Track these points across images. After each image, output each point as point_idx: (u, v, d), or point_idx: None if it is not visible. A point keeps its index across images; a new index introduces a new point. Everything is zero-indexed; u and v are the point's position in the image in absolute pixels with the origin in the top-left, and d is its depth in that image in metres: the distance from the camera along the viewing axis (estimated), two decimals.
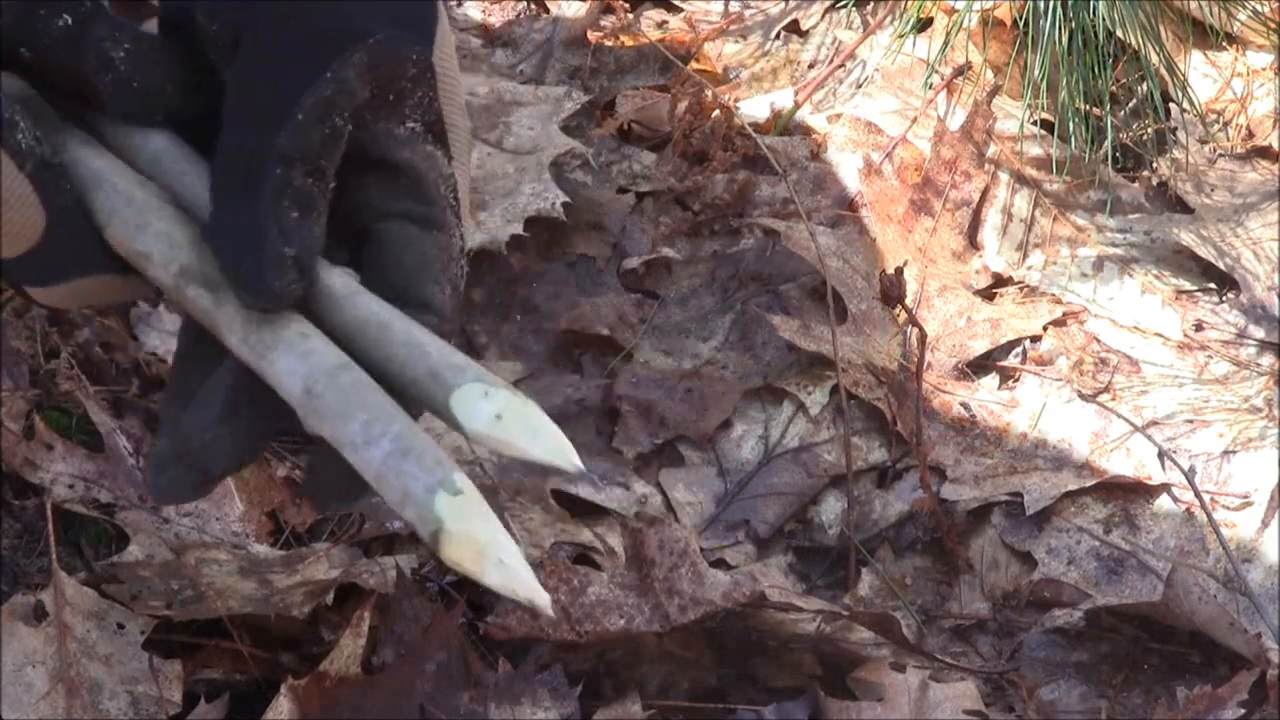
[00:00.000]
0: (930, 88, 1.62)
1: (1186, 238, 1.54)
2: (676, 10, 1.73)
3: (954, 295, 1.51)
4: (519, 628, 1.23)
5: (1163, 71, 1.63)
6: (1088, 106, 1.60)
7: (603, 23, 1.70)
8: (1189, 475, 1.38)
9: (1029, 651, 1.31)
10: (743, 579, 1.26)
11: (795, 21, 1.72)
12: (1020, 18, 1.63)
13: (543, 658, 1.23)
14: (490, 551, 0.75)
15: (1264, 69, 1.69)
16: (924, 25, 1.68)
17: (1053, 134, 1.60)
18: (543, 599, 0.76)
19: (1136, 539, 1.36)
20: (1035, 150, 1.60)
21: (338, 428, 0.77)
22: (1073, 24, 1.59)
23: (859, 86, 1.65)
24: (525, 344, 1.48)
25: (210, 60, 0.88)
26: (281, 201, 0.86)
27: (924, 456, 1.37)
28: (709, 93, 1.60)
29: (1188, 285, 1.53)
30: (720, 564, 1.33)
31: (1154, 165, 1.63)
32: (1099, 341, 1.49)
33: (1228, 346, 1.49)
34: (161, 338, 1.40)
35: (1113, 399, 1.44)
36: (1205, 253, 1.53)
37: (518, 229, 1.46)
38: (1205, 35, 1.69)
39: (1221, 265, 1.53)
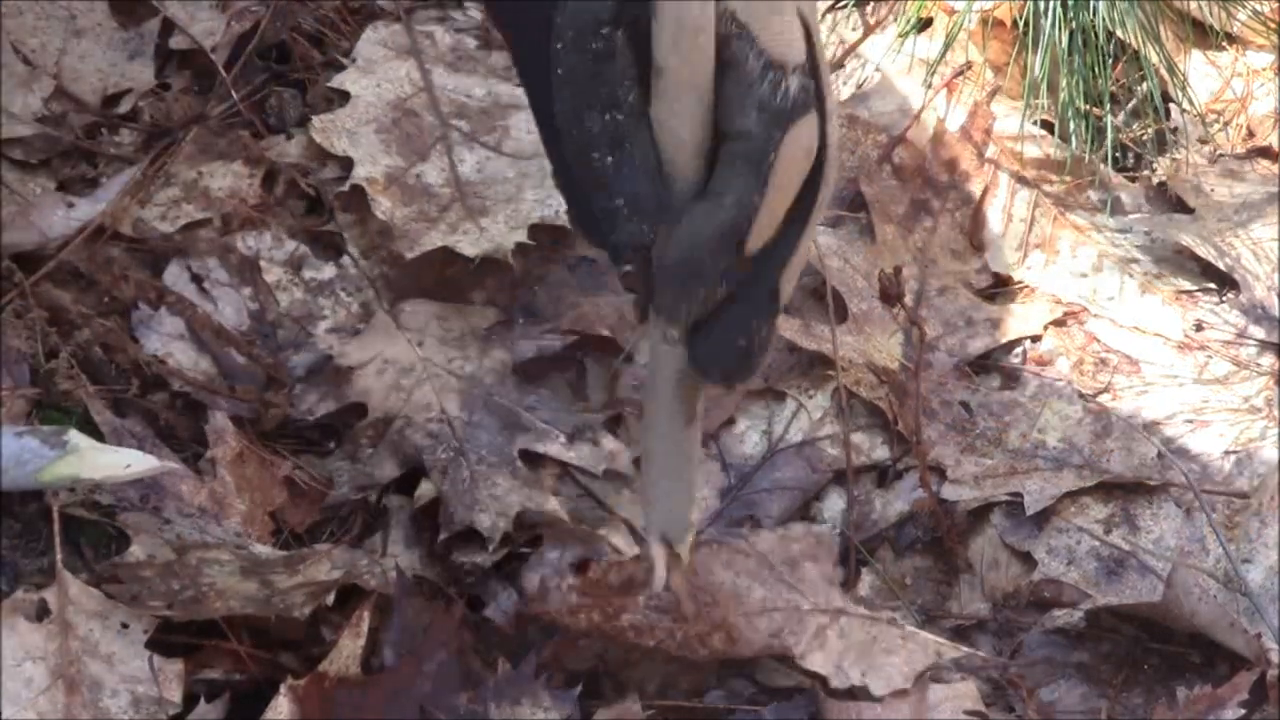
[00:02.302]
0: (930, 88, 1.62)
1: (1186, 238, 1.54)
2: None
3: (954, 295, 1.51)
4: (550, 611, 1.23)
5: (1163, 71, 1.63)
6: (1088, 106, 1.60)
7: None
8: (1189, 475, 1.38)
9: (1029, 651, 1.31)
10: None
11: None
12: (1020, 18, 1.63)
13: (543, 658, 1.23)
14: None
15: (1264, 69, 1.69)
16: (924, 25, 1.68)
17: (1053, 134, 1.60)
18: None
19: (1136, 539, 1.36)
20: (1035, 150, 1.60)
21: None
22: (1073, 24, 1.60)
23: (859, 86, 1.66)
24: None
25: None
26: (588, 153, 0.97)
27: (924, 456, 1.37)
28: None
29: (1188, 285, 1.53)
30: None
31: (1154, 165, 1.63)
32: (1099, 341, 1.49)
33: (1228, 346, 1.49)
34: (162, 340, 1.41)
35: (1113, 399, 1.44)
36: (1205, 253, 1.53)
37: (522, 237, 1.46)
38: (1205, 35, 1.69)
39: (1221, 265, 1.53)
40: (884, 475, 1.41)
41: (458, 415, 1.38)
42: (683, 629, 1.21)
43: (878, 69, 1.66)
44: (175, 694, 1.18)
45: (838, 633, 1.26)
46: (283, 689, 1.16)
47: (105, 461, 1.17)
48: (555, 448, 1.38)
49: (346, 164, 1.52)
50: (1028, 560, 1.36)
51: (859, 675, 1.24)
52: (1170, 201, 1.60)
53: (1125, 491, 1.39)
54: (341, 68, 1.57)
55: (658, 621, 1.20)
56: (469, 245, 1.45)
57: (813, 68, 0.98)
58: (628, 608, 1.20)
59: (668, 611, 1.20)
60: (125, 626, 1.19)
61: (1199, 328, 1.50)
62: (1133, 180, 1.61)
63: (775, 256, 1.00)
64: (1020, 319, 1.50)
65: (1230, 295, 1.52)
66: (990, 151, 1.58)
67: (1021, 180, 1.58)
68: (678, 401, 1.10)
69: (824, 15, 1.72)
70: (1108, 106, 1.60)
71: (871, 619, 1.28)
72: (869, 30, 1.68)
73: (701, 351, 1.03)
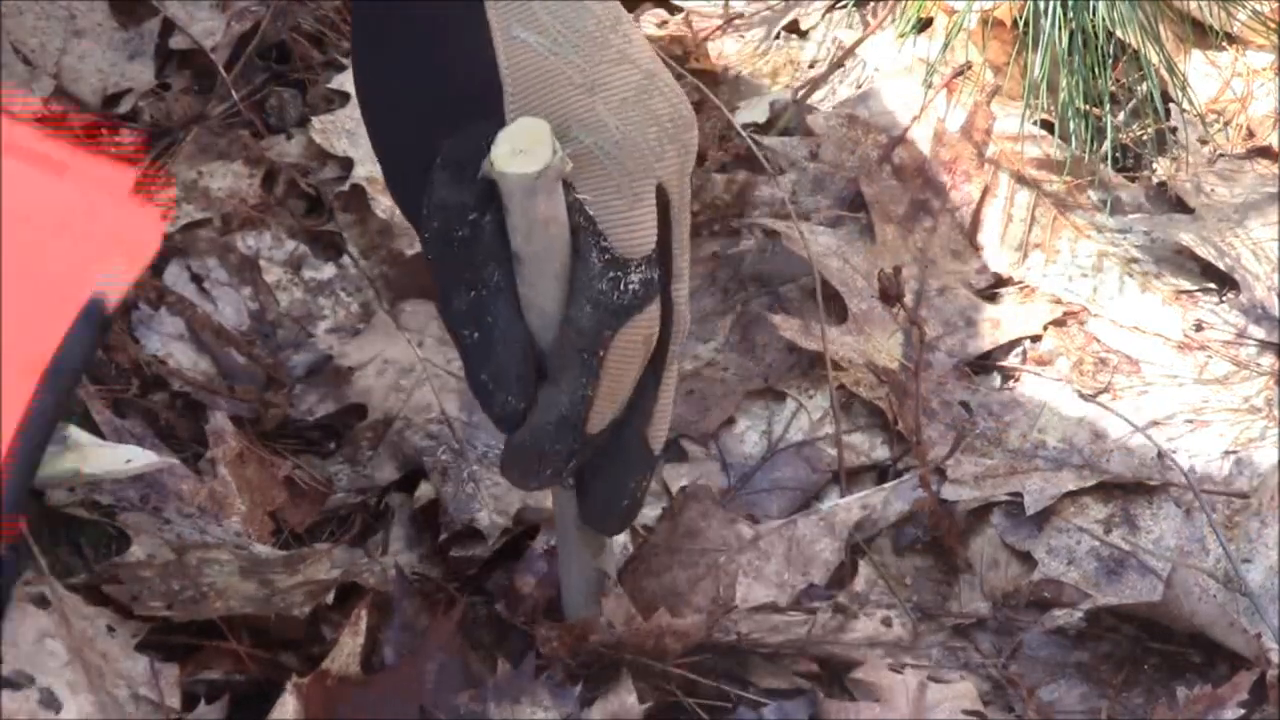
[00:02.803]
0: (930, 88, 1.63)
1: (1186, 238, 1.54)
2: (676, 10, 1.73)
3: (954, 295, 1.51)
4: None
5: (1163, 71, 1.63)
6: (1088, 106, 1.60)
7: None
8: (1189, 475, 1.38)
9: (1029, 651, 1.31)
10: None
11: (795, 21, 1.72)
12: (1020, 18, 1.63)
13: (543, 658, 1.23)
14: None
15: (1264, 69, 1.69)
16: (924, 25, 1.68)
17: (1053, 134, 1.60)
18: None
19: (1136, 539, 1.36)
20: (1035, 150, 1.60)
21: None
22: (1073, 24, 1.60)
23: (859, 86, 1.66)
24: None
25: None
26: (458, 330, 1.00)
27: (924, 456, 1.37)
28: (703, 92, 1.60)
29: (1188, 285, 1.53)
30: None
31: (1154, 165, 1.63)
32: (1099, 341, 1.49)
33: (1228, 346, 1.49)
34: (162, 340, 1.41)
35: (1113, 399, 1.44)
36: (1205, 253, 1.53)
37: None
38: (1205, 35, 1.69)
39: (1221, 265, 1.53)
40: (884, 475, 1.41)
41: (457, 415, 1.38)
42: (646, 641, 1.21)
43: (877, 69, 1.66)
44: (174, 697, 1.17)
45: (763, 558, 1.28)
46: (288, 687, 1.15)
47: (106, 457, 1.18)
48: None
49: (346, 164, 1.52)
50: (1028, 560, 1.36)
51: (800, 577, 1.27)
52: (1170, 201, 1.60)
53: (1125, 491, 1.39)
54: (341, 68, 1.57)
55: (627, 638, 1.21)
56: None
57: (662, 245, 1.00)
58: (593, 629, 1.21)
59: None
60: (111, 630, 1.19)
61: (1199, 328, 1.50)
62: (1133, 180, 1.61)
63: (634, 418, 1.05)
64: (1020, 319, 1.50)
65: (1230, 295, 1.52)
66: (990, 151, 1.58)
67: (1021, 180, 1.58)
68: (584, 538, 1.16)
69: (824, 15, 1.72)
70: (1108, 106, 1.60)
71: (784, 523, 1.31)
72: (869, 30, 1.68)
73: (589, 511, 1.10)
